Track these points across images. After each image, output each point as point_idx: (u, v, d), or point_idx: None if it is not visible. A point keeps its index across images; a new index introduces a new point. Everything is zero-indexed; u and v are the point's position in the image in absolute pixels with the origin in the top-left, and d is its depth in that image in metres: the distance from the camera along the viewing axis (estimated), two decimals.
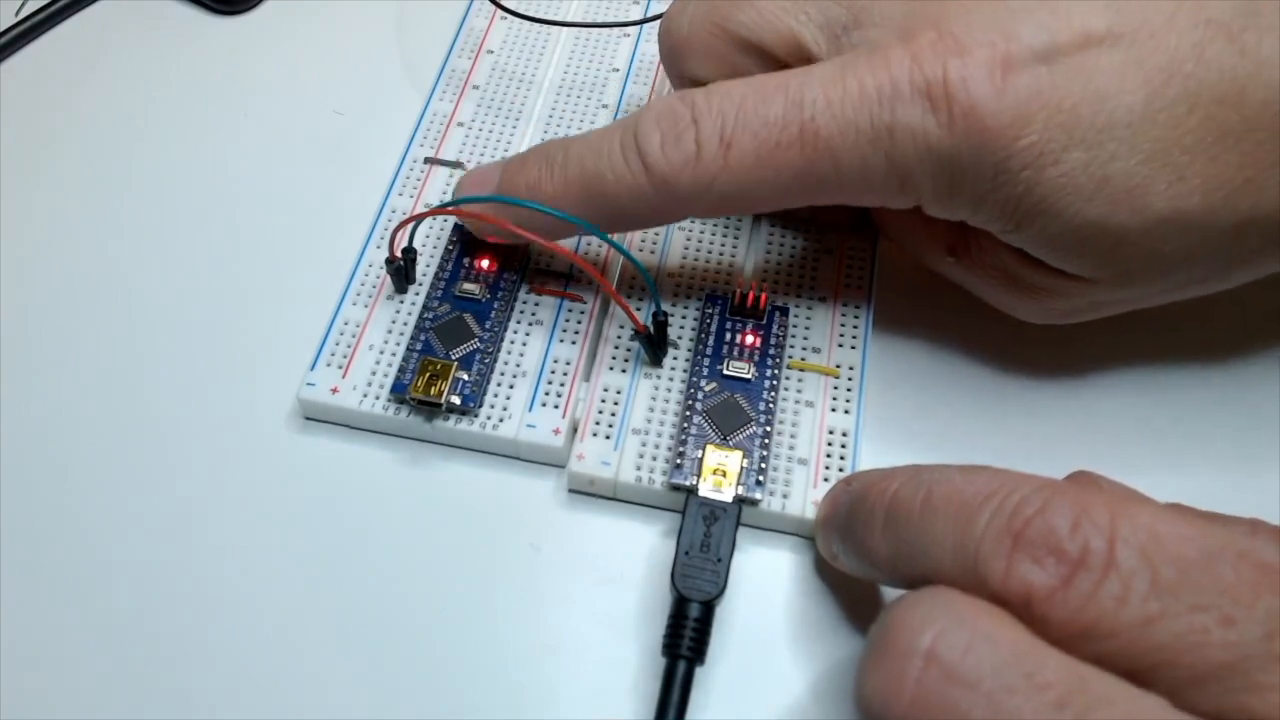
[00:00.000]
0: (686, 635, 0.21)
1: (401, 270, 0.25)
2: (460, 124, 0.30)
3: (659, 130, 0.22)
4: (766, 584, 0.23)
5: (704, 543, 0.22)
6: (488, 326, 0.25)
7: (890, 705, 0.16)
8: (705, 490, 0.22)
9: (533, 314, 0.26)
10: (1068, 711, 0.14)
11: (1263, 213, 0.20)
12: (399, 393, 0.24)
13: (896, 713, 0.15)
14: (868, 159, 0.21)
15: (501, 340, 0.25)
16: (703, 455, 0.23)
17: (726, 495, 0.22)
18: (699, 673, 0.21)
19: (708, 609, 0.21)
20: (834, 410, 0.24)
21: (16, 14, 0.33)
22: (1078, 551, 0.15)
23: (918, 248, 0.25)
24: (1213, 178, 0.20)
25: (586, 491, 0.24)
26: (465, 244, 0.27)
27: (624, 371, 0.25)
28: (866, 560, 0.19)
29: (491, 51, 0.31)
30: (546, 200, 0.23)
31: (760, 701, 0.21)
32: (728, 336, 0.25)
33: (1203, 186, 0.20)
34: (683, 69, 0.24)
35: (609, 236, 0.24)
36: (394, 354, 0.25)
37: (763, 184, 0.21)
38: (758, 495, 0.22)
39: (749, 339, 0.25)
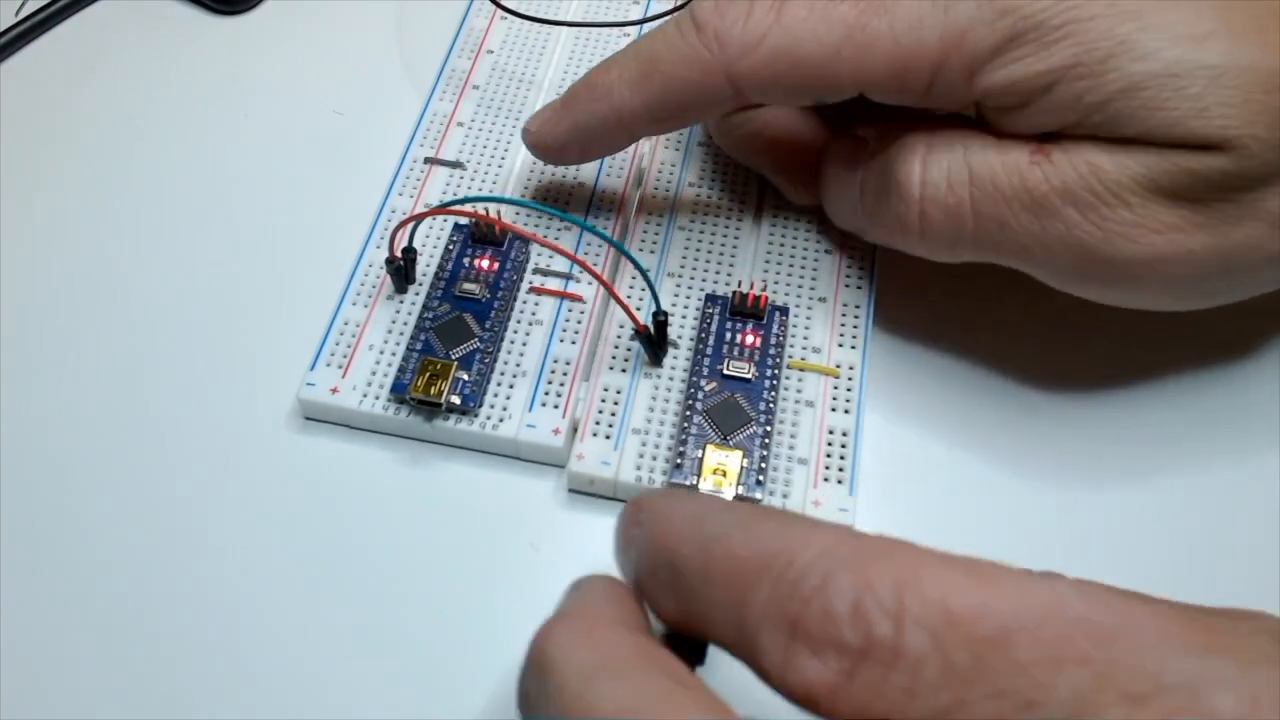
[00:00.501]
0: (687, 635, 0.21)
1: (401, 270, 0.25)
2: (460, 124, 0.30)
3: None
4: None
5: None
6: (488, 326, 0.25)
7: None
8: (705, 490, 0.22)
9: (533, 314, 0.26)
10: None
11: None
12: (399, 393, 0.24)
13: None
14: (926, 17, 0.20)
15: (501, 340, 0.25)
16: (703, 455, 0.23)
17: (726, 495, 0.22)
18: (699, 673, 0.21)
19: None
20: (834, 410, 0.24)
21: (16, 14, 0.33)
22: (860, 641, 0.13)
23: (992, 162, 0.22)
24: None
25: (586, 491, 0.24)
26: (465, 244, 0.27)
27: (624, 371, 0.25)
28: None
29: (491, 51, 0.31)
30: (606, 88, 0.24)
31: (760, 701, 0.21)
32: (728, 336, 0.25)
33: None
34: None
35: (610, 236, 0.24)
36: (394, 354, 0.25)
37: (814, 38, 0.21)
38: (758, 495, 0.22)
39: (749, 339, 0.25)
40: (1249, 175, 0.20)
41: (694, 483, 0.22)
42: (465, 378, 0.24)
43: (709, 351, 0.25)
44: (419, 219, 0.25)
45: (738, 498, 0.22)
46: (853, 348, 0.25)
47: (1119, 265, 0.21)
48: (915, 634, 0.13)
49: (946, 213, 0.22)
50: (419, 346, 0.25)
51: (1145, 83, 0.20)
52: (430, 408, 0.24)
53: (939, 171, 0.22)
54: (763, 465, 0.23)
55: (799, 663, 0.14)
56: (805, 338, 0.25)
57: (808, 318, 0.26)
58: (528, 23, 0.31)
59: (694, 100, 0.23)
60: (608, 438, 0.24)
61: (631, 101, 0.23)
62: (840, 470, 0.23)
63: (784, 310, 0.25)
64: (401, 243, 0.25)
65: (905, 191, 0.22)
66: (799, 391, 0.24)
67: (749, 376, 0.24)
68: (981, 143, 0.22)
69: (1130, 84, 0.20)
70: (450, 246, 0.27)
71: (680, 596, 0.16)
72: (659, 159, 0.29)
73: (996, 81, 0.21)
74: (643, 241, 0.27)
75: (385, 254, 0.25)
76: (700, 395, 0.24)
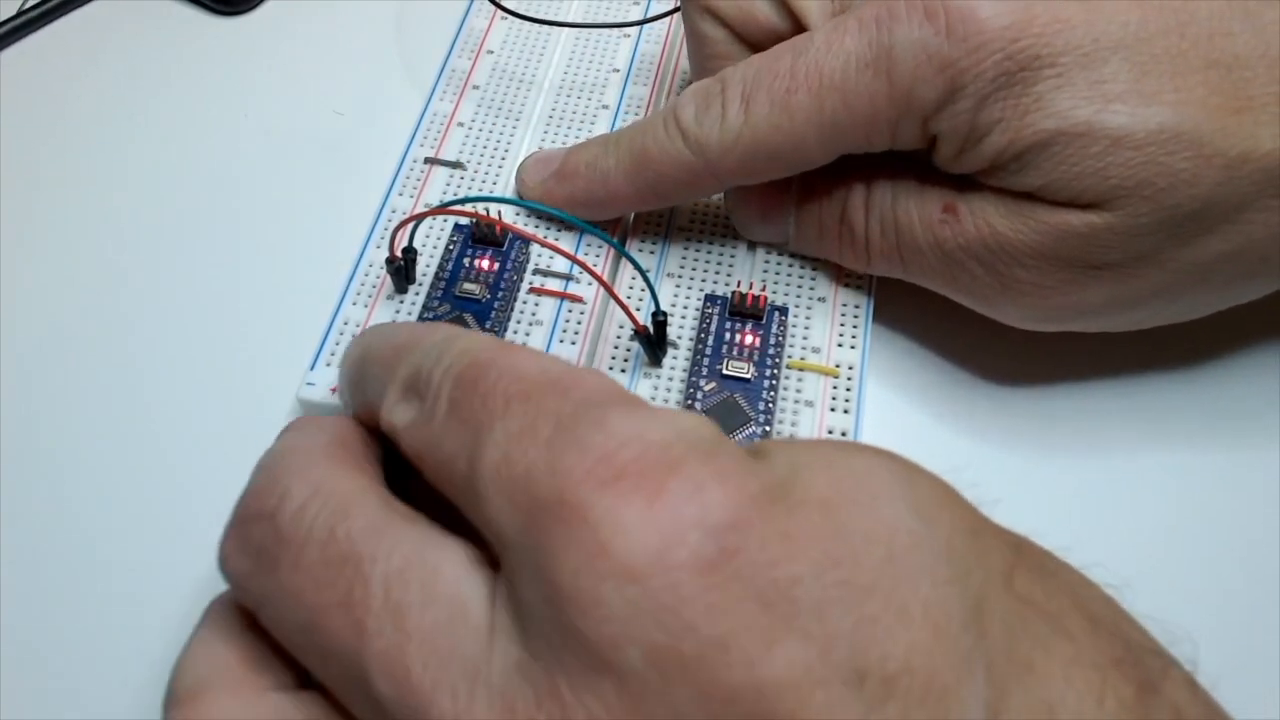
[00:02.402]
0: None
1: (402, 270, 0.25)
2: (460, 124, 0.30)
3: (694, 104, 0.24)
4: None
5: None
6: (488, 326, 0.25)
7: (229, 563, 0.17)
8: None
9: (533, 314, 0.26)
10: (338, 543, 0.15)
11: (1261, 151, 0.20)
12: None
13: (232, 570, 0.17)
14: (871, 86, 0.22)
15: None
16: None
17: None
18: None
19: None
20: (834, 410, 0.24)
21: (18, 11, 0.33)
22: (420, 390, 0.16)
23: (913, 215, 0.24)
24: (1209, 99, 0.20)
25: None
26: (466, 244, 0.27)
27: (624, 371, 0.25)
28: None
29: (491, 51, 0.31)
30: (603, 173, 0.25)
31: None
32: (728, 336, 0.25)
33: (1202, 106, 0.20)
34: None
35: (610, 237, 0.24)
36: None
37: (780, 130, 0.23)
38: None
39: (749, 339, 0.25)
40: (1139, 231, 0.21)
41: None
42: None
43: (708, 351, 0.25)
44: (419, 219, 0.25)
45: None
46: (852, 348, 0.25)
47: (1026, 310, 0.24)
48: (446, 383, 0.16)
49: (883, 255, 0.25)
50: None
51: (1054, 140, 0.21)
52: None
53: (875, 218, 0.25)
54: None
55: (389, 408, 0.17)
56: (805, 338, 0.25)
57: (807, 318, 0.26)
58: (528, 23, 0.31)
59: (682, 192, 0.25)
60: None
61: (625, 189, 0.25)
62: None
63: (783, 310, 0.25)
64: (402, 243, 0.25)
65: (855, 233, 0.25)
66: (798, 391, 0.24)
67: (748, 376, 0.24)
68: (907, 190, 0.24)
69: (1041, 140, 0.21)
70: (450, 247, 0.27)
71: (354, 387, 0.19)
72: None
73: (943, 129, 0.22)
74: (642, 242, 0.27)
75: (385, 254, 0.25)
76: (699, 395, 0.24)
